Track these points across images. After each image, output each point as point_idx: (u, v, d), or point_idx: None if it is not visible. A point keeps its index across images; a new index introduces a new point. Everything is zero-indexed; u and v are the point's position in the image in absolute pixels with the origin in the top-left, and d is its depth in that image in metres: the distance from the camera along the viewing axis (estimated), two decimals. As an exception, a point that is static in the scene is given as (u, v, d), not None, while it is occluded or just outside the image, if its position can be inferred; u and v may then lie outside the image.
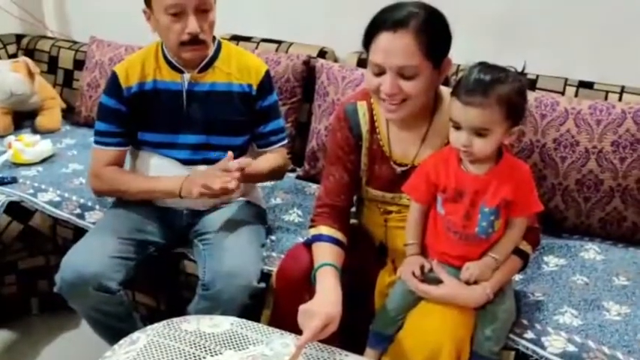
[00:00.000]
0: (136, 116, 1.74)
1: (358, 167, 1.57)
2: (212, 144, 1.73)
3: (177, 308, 1.77)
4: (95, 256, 1.60)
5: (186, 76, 1.72)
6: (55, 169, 2.23)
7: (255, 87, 1.76)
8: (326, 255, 1.46)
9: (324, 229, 1.51)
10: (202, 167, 1.72)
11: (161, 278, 1.82)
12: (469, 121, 1.31)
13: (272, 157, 1.81)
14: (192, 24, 1.62)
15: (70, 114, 2.69)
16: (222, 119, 1.74)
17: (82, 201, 2.01)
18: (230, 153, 1.60)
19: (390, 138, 1.54)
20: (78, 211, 1.96)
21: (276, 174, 1.85)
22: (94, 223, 1.88)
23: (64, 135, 2.55)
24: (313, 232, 1.53)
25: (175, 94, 1.72)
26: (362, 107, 1.54)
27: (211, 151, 1.73)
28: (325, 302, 1.35)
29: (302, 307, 1.33)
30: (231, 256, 1.60)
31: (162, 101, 1.73)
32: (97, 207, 1.98)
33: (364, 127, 1.53)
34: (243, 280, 1.56)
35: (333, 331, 1.32)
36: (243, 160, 1.62)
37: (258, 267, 1.64)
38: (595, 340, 1.44)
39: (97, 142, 1.77)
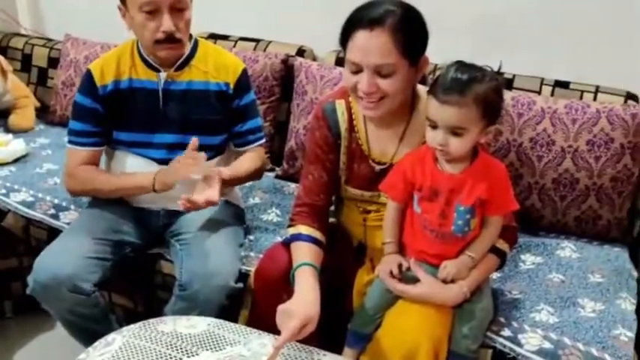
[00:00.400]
0: (112, 115, 1.71)
1: (337, 166, 1.56)
2: (188, 143, 1.71)
3: (154, 309, 1.76)
4: (69, 256, 1.57)
5: (163, 74, 1.70)
6: (29, 169, 2.19)
7: (232, 85, 1.74)
8: (305, 255, 1.46)
9: (303, 229, 1.50)
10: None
11: (137, 279, 1.80)
12: (445, 119, 1.31)
13: (249, 159, 1.80)
14: (166, 22, 1.60)
15: (44, 113, 2.65)
16: (199, 118, 1.72)
17: (56, 201, 1.98)
18: (194, 139, 1.59)
19: (368, 136, 1.53)
20: (52, 211, 1.93)
21: (255, 175, 1.84)
22: (68, 224, 1.85)
23: (38, 134, 2.51)
24: (292, 231, 1.52)
25: (151, 93, 1.70)
26: (340, 106, 1.54)
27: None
28: (303, 302, 1.34)
29: (280, 308, 1.32)
30: (209, 257, 1.59)
31: (138, 100, 1.70)
32: (72, 207, 1.95)
33: (343, 126, 1.53)
34: (220, 281, 1.55)
35: (311, 331, 1.31)
36: (217, 174, 1.59)
37: (236, 267, 1.62)
38: (570, 336, 1.45)
39: (71, 142, 1.74)
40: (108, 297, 1.88)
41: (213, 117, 1.74)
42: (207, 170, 1.58)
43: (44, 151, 2.35)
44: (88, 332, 1.61)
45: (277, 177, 2.23)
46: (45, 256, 1.59)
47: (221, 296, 1.54)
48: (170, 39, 1.63)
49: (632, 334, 1.46)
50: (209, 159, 1.77)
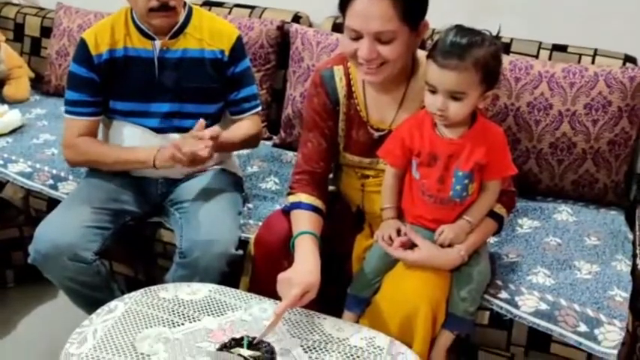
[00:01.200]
0: (108, 84, 1.70)
1: (336, 133, 1.56)
2: (184, 112, 1.71)
3: (155, 277, 1.78)
4: (69, 226, 1.58)
5: (157, 43, 1.68)
6: (25, 139, 2.18)
7: (226, 53, 1.73)
8: (305, 223, 1.46)
9: (304, 197, 1.51)
10: (175, 135, 1.70)
11: (138, 248, 1.81)
12: (445, 84, 1.30)
13: (245, 126, 1.79)
14: None
15: (39, 83, 2.62)
16: (195, 86, 1.71)
17: (54, 172, 1.97)
18: (201, 120, 1.58)
19: (367, 102, 1.53)
20: (51, 182, 1.93)
21: (250, 142, 1.84)
22: (68, 194, 1.85)
23: (34, 105, 2.49)
24: (292, 199, 1.53)
25: (146, 61, 1.69)
26: (338, 72, 1.53)
27: (184, 119, 1.70)
28: (304, 271, 1.35)
29: (281, 276, 1.33)
30: (209, 224, 1.59)
31: (134, 69, 1.69)
32: (71, 177, 1.94)
33: (341, 92, 1.52)
34: (220, 248, 1.56)
35: (311, 298, 1.33)
36: (215, 129, 1.59)
37: (236, 234, 1.64)
38: (566, 298, 1.47)
39: (68, 112, 1.73)
40: (109, 266, 1.89)
41: (209, 85, 1.73)
42: (199, 134, 1.56)
43: (40, 122, 2.33)
44: (90, 300, 1.63)
45: (275, 145, 2.22)
46: (45, 225, 1.60)
47: (221, 263, 1.56)
48: (164, 7, 1.61)
49: (626, 295, 1.48)
50: (205, 128, 1.77)
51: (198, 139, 1.54)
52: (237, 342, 1.18)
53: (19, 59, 2.61)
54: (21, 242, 2.01)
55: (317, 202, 1.51)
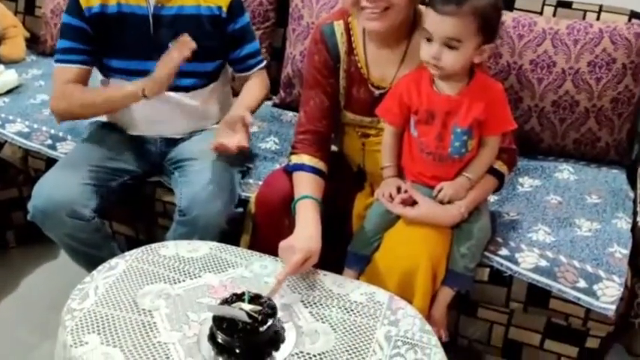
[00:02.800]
0: (101, 39, 1.67)
1: (338, 91, 1.54)
2: (182, 70, 1.66)
3: (155, 237, 1.78)
4: (67, 182, 1.57)
5: (152, 0, 1.64)
6: (22, 99, 2.16)
7: (224, 9, 1.70)
8: (307, 187, 1.45)
9: (306, 159, 1.49)
10: (173, 94, 1.68)
11: (138, 207, 1.81)
12: (441, 30, 1.29)
13: (256, 87, 1.78)
14: None
15: (34, 44, 2.57)
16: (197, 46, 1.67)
17: (52, 131, 1.95)
18: (185, 36, 1.56)
19: (367, 59, 1.51)
20: (49, 141, 1.91)
21: (264, 100, 1.83)
22: (67, 154, 1.84)
23: (30, 65, 2.46)
24: (295, 159, 1.51)
25: (141, 18, 1.65)
26: (339, 27, 1.50)
27: (182, 77, 1.67)
28: (305, 237, 1.35)
29: (283, 243, 1.33)
30: (208, 182, 1.59)
31: (128, 26, 1.66)
32: (69, 137, 1.93)
33: (342, 48, 1.50)
34: (219, 205, 1.55)
35: (313, 264, 1.33)
36: (247, 118, 1.60)
37: (235, 192, 1.63)
38: (566, 254, 1.48)
39: (59, 61, 1.68)
40: (109, 226, 1.90)
41: (207, 43, 1.69)
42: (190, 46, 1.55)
43: (37, 82, 2.30)
44: (91, 258, 1.63)
45: (274, 105, 2.20)
46: (43, 182, 1.59)
47: (221, 221, 1.55)
48: None
49: (626, 251, 1.49)
50: (203, 86, 1.75)
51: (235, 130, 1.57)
52: (238, 297, 1.18)
53: (14, 18, 2.56)
54: (21, 202, 2.01)
55: (319, 164, 1.49)
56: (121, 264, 1.35)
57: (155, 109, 1.68)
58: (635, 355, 1.68)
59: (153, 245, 1.42)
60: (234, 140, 1.56)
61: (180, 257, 1.38)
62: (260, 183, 1.65)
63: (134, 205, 1.80)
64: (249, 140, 1.61)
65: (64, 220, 1.55)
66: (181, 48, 1.54)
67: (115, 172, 1.67)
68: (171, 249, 1.41)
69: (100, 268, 1.34)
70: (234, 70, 1.81)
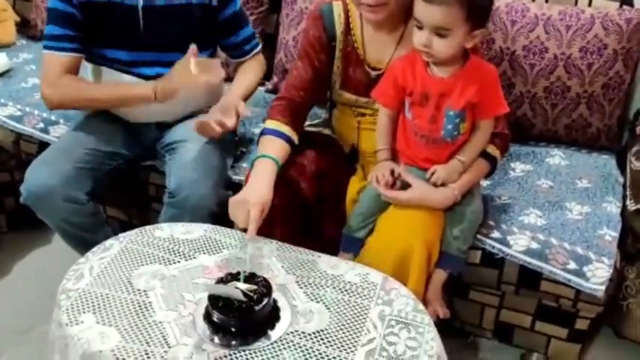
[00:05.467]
0: (90, 27, 1.63)
1: (325, 68, 1.54)
2: (171, 61, 1.63)
3: (149, 222, 1.76)
4: (60, 165, 1.57)
5: None
6: (14, 83, 2.15)
7: None
8: (267, 147, 1.45)
9: (273, 124, 1.49)
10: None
11: (132, 192, 1.81)
12: (430, 19, 1.29)
13: (252, 71, 1.78)
14: None
15: (25, 28, 2.56)
16: (182, 35, 1.65)
17: (44, 115, 1.95)
18: (193, 47, 1.53)
19: (364, 40, 1.51)
20: (41, 125, 1.90)
21: (259, 83, 1.83)
22: (59, 138, 1.84)
23: (21, 49, 2.44)
24: (264, 125, 1.52)
25: (130, 9, 1.61)
26: (337, 7, 1.51)
27: (170, 67, 1.64)
28: (257, 190, 1.35)
29: (233, 199, 1.34)
30: (198, 164, 1.59)
31: (117, 16, 1.62)
32: (62, 121, 1.92)
33: (339, 29, 1.51)
34: (208, 186, 1.55)
35: (264, 217, 1.34)
36: (241, 106, 1.60)
37: (225, 174, 1.63)
38: (557, 237, 1.50)
39: (49, 48, 1.63)
40: (103, 210, 1.89)
41: (198, 33, 1.67)
42: (207, 64, 1.54)
43: (28, 66, 2.29)
44: (85, 242, 1.63)
45: (267, 91, 2.20)
46: (35, 165, 1.59)
47: (210, 202, 1.55)
48: None
49: (616, 234, 1.51)
50: None
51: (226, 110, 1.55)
52: (233, 277, 1.19)
53: (4, 2, 2.53)
54: (13, 187, 1.99)
55: (285, 129, 1.48)
56: (115, 245, 1.36)
57: None
58: (623, 338, 1.70)
59: (147, 227, 1.42)
60: (217, 120, 1.54)
61: (175, 239, 1.38)
62: (252, 166, 1.65)
63: (128, 190, 1.81)
64: (237, 125, 1.59)
65: (57, 204, 1.55)
66: (211, 74, 1.52)
67: (109, 156, 1.67)
68: (165, 231, 1.41)
69: (94, 249, 1.34)
70: (231, 57, 1.80)
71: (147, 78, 1.67)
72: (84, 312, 1.16)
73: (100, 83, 1.73)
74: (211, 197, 1.55)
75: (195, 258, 1.33)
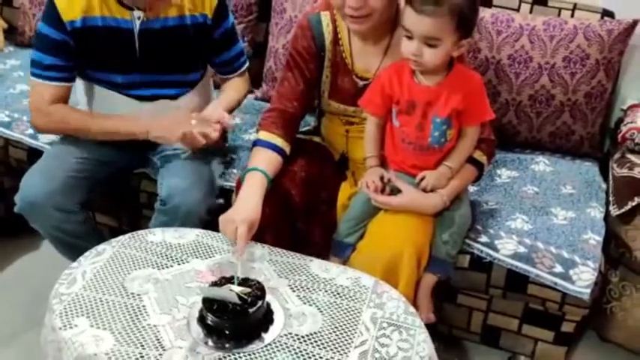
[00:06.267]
0: (83, 52, 1.58)
1: (315, 78, 1.57)
2: (167, 81, 1.65)
3: (139, 228, 1.76)
4: (55, 175, 1.56)
5: (137, 13, 1.58)
6: (2, 90, 2.14)
7: (210, 16, 1.66)
8: (258, 160, 1.47)
9: (265, 135, 1.50)
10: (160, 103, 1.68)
11: (123, 199, 1.81)
12: (421, 30, 1.32)
13: (237, 87, 1.78)
14: None
15: (12, 35, 2.54)
16: (177, 56, 1.66)
17: (33, 121, 1.94)
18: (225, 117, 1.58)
19: (352, 50, 1.54)
20: (30, 131, 1.90)
21: (244, 99, 1.83)
22: (49, 144, 1.84)
23: (9, 56, 2.43)
24: (255, 136, 1.54)
25: (126, 32, 1.59)
26: (325, 18, 1.53)
27: (167, 88, 1.67)
28: (245, 208, 1.37)
29: (222, 217, 1.37)
30: (189, 172, 1.60)
31: (112, 40, 1.58)
32: (51, 127, 1.92)
33: (327, 38, 1.53)
34: (199, 194, 1.56)
35: (253, 232, 1.36)
36: (223, 115, 1.61)
37: (215, 183, 1.64)
38: (543, 241, 1.53)
39: (38, 76, 1.59)
40: (93, 217, 1.89)
41: (192, 52, 1.68)
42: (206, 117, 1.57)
43: (16, 73, 2.28)
44: (76, 248, 1.62)
45: (257, 99, 2.22)
46: (30, 175, 1.58)
47: (201, 209, 1.56)
48: None
49: (600, 238, 1.55)
50: (187, 92, 1.72)
51: (208, 122, 1.56)
52: (227, 280, 1.20)
53: (-9, 9, 2.54)
54: (1, 193, 1.99)
55: (277, 141, 1.49)
56: (108, 250, 1.36)
57: (142, 111, 1.66)
58: (606, 341, 1.74)
59: (139, 232, 1.42)
60: (201, 131, 1.55)
61: (167, 243, 1.39)
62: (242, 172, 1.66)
63: (119, 196, 1.80)
64: (221, 136, 1.60)
65: (51, 213, 1.55)
66: (209, 129, 1.55)
67: (101, 165, 1.67)
68: (158, 235, 1.41)
69: (87, 254, 1.34)
70: (219, 73, 1.79)
71: (142, 99, 1.66)
72: (77, 316, 1.16)
73: (93, 106, 1.71)
74: (201, 205, 1.56)
75: (187, 262, 1.34)
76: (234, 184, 1.64)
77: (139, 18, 1.58)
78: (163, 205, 1.57)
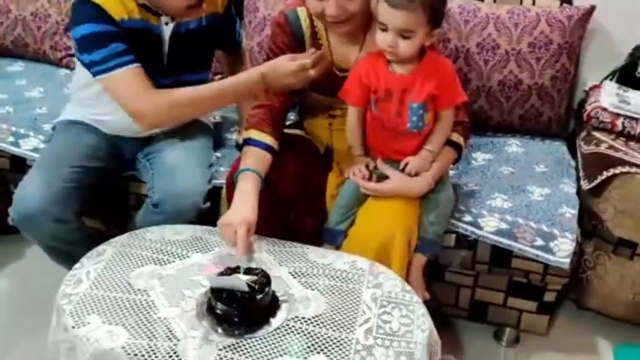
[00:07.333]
0: None
1: None
2: (184, 81, 1.64)
3: (127, 230, 1.78)
4: (51, 186, 1.54)
5: (165, 18, 1.59)
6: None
7: (221, 12, 1.74)
8: (250, 160, 1.50)
9: (255, 133, 1.54)
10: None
11: (111, 202, 1.81)
12: (395, 23, 1.39)
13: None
14: None
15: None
16: (199, 55, 1.71)
17: (13, 129, 1.93)
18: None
19: (330, 43, 1.59)
20: (11, 139, 1.88)
21: None
22: (32, 150, 1.83)
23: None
24: (245, 135, 1.57)
25: (156, 38, 1.60)
26: (302, 13, 1.58)
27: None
28: (242, 211, 1.40)
29: (220, 221, 1.40)
30: (181, 177, 1.61)
31: (145, 44, 1.58)
32: (32, 133, 1.91)
33: (307, 33, 1.58)
34: (190, 201, 1.59)
35: (252, 233, 1.40)
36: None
37: (206, 188, 1.65)
38: (523, 217, 1.62)
39: (114, 67, 1.49)
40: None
41: (210, 51, 1.75)
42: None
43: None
44: (70, 255, 1.61)
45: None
46: (26, 186, 1.56)
47: (191, 214, 1.59)
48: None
49: (575, 212, 1.64)
50: None
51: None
52: (233, 270, 1.24)
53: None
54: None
55: (267, 139, 1.53)
56: (108, 250, 1.38)
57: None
58: (583, 308, 1.85)
59: (137, 231, 1.45)
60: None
61: (167, 240, 1.42)
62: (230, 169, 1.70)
63: (107, 200, 1.81)
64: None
65: (48, 225, 1.54)
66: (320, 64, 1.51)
67: (94, 172, 1.66)
68: (156, 233, 1.44)
69: (87, 254, 1.36)
70: (228, 53, 1.88)
71: None
72: (88, 314, 1.19)
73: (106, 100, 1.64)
74: (192, 210, 1.59)
75: (189, 257, 1.37)
76: (223, 181, 1.67)
77: (166, 23, 1.60)
78: (155, 207, 1.59)
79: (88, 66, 1.53)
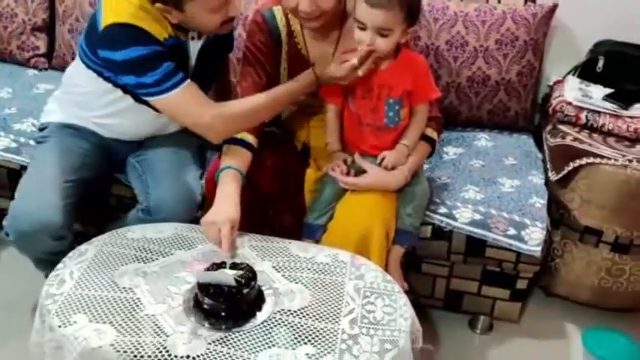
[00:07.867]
0: None
1: (275, 71, 1.63)
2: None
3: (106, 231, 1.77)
4: (48, 203, 1.49)
5: (192, 33, 1.58)
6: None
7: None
8: (230, 158, 1.52)
9: None
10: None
11: (94, 204, 1.79)
12: (374, 21, 1.43)
13: None
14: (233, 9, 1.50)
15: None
16: (215, 68, 1.72)
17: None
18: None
19: (306, 41, 1.62)
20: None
21: None
22: (3, 150, 1.81)
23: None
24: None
25: (185, 53, 1.58)
26: (279, 12, 1.60)
27: None
28: (225, 209, 1.42)
29: (204, 220, 1.41)
30: (177, 187, 1.61)
31: (178, 60, 1.53)
32: (2, 133, 1.88)
33: (283, 31, 1.60)
34: (185, 207, 1.59)
35: (236, 230, 1.42)
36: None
37: (199, 193, 1.65)
38: (496, 208, 1.68)
39: (173, 87, 1.45)
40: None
41: (221, 59, 1.78)
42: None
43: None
44: (54, 264, 1.55)
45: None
46: (23, 205, 1.52)
47: (190, 217, 1.59)
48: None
49: (544, 201, 1.71)
50: None
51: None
52: (219, 266, 1.25)
53: None
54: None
55: (247, 137, 1.55)
56: (90, 249, 1.38)
57: (138, 124, 1.68)
58: (552, 295, 1.92)
59: (119, 230, 1.45)
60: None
61: (149, 239, 1.42)
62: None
63: (90, 203, 1.78)
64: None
65: (47, 243, 1.50)
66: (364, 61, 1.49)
67: (88, 183, 1.63)
68: (137, 232, 1.44)
69: (70, 254, 1.36)
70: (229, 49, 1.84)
71: None
72: (74, 313, 1.19)
73: (121, 117, 1.65)
74: (191, 212, 1.59)
75: (172, 254, 1.38)
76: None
77: (192, 38, 1.58)
78: (148, 214, 1.57)
79: (135, 87, 1.49)
